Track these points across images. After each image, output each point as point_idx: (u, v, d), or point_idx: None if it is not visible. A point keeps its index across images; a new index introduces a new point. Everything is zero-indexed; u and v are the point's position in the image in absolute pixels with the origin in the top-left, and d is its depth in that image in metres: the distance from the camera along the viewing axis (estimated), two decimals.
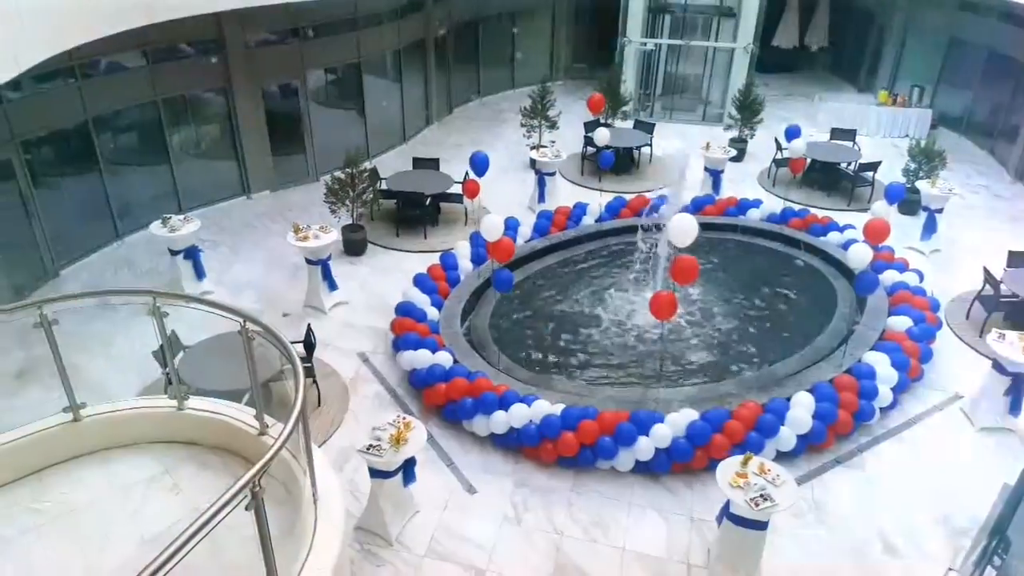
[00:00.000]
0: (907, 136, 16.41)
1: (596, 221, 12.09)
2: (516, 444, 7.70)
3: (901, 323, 9.13)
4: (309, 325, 8.57)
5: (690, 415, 7.57)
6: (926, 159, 12.56)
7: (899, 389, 8.33)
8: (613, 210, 12.24)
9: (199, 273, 10.41)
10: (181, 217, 10.29)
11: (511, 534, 6.88)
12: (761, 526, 6.02)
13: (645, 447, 7.37)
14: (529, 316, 10.11)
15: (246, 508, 3.07)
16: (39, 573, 4.13)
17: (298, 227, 9.87)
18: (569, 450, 7.43)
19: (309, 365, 8.19)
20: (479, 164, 11.25)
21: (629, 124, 16.16)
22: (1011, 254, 10.37)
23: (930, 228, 11.88)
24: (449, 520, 7.00)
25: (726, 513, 6.15)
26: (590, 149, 14.63)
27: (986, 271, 10.03)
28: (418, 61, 16.45)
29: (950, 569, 5.96)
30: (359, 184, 11.41)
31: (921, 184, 12.08)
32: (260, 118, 13.16)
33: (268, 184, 13.69)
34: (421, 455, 7.01)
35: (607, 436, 7.42)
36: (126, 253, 11.57)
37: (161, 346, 5.58)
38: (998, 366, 8.02)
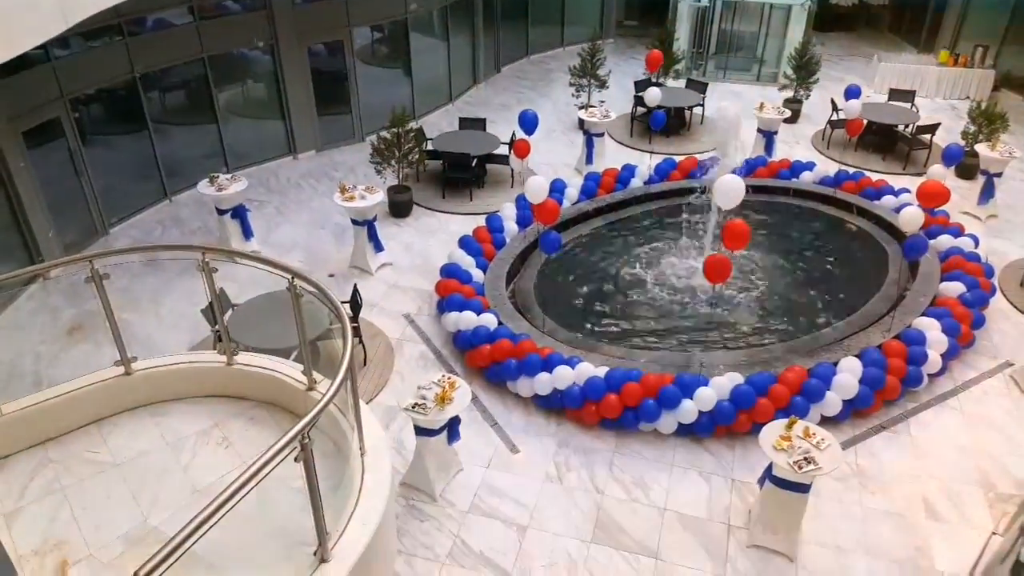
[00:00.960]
0: (968, 98, 15.76)
1: (645, 183, 11.92)
2: (559, 405, 7.76)
3: (953, 288, 8.88)
4: (355, 285, 8.70)
5: (735, 379, 7.52)
6: (987, 121, 12.04)
7: (949, 355, 8.14)
8: (663, 172, 12.04)
9: (246, 232, 10.62)
10: (228, 176, 10.45)
11: (553, 492, 6.98)
12: (804, 489, 6.00)
13: (688, 410, 7.36)
14: (575, 280, 10.09)
15: (295, 459, 3.17)
16: (95, 520, 4.31)
17: (344, 187, 9.97)
18: (612, 412, 7.47)
19: (356, 325, 8.34)
20: (528, 122, 11.09)
21: (681, 83, 15.78)
22: None
23: (988, 193, 11.44)
24: (492, 478, 7.14)
25: (768, 475, 6.13)
26: (640, 109, 14.36)
27: None
28: (466, 18, 16.23)
29: (994, 533, 5.88)
30: (405, 144, 11.43)
31: (980, 147, 11.60)
32: (306, 77, 13.22)
33: (314, 144, 13.82)
34: (465, 415, 7.12)
35: (650, 398, 7.43)
36: (174, 211, 11.86)
37: (210, 303, 5.72)
38: None
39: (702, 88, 14.92)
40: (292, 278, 4.30)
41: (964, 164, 12.22)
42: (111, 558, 4.05)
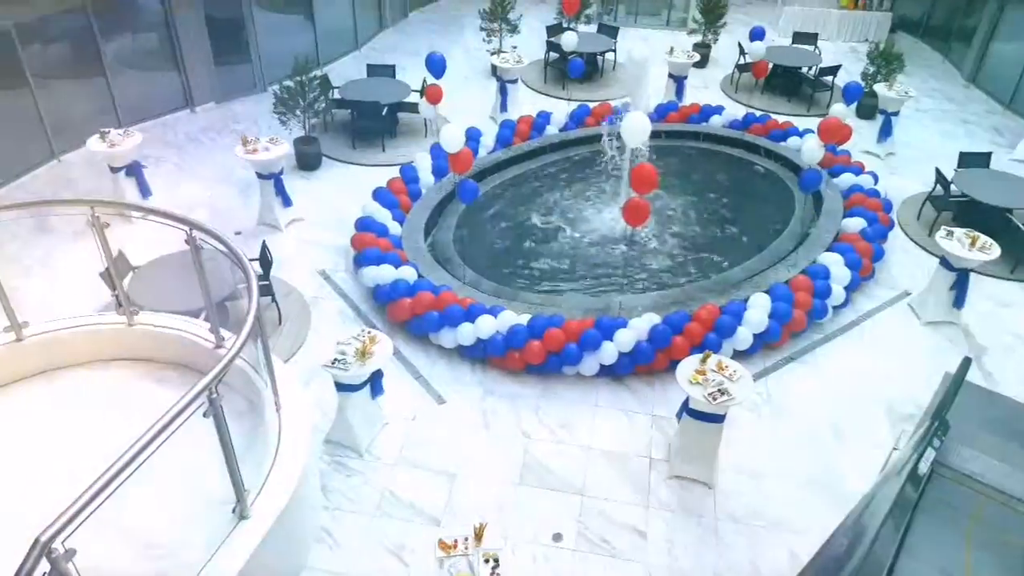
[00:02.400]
0: (867, 40, 16.29)
1: (560, 130, 11.86)
2: (483, 355, 7.75)
3: (855, 224, 9.29)
4: (264, 242, 8.36)
5: (652, 319, 7.68)
6: (884, 62, 12.51)
7: (851, 287, 8.56)
8: (578, 118, 12.01)
9: (143, 191, 10.00)
10: (120, 131, 9.78)
11: (480, 440, 7.01)
12: (718, 419, 6.22)
13: (609, 352, 7.48)
14: (494, 229, 10.01)
15: (204, 415, 3.02)
16: None
17: (246, 139, 9.48)
18: (536, 358, 7.51)
19: (267, 283, 8.05)
20: (435, 65, 10.73)
21: (592, 29, 15.67)
22: (962, 155, 10.55)
23: (886, 131, 11.96)
24: (419, 430, 7.09)
25: (686, 409, 6.34)
26: (553, 55, 14.21)
27: (938, 172, 10.19)
28: None
29: (894, 449, 6.27)
30: (310, 93, 10.95)
31: (879, 87, 12.08)
32: (200, 24, 12.41)
33: (212, 95, 13.07)
34: (389, 369, 7.02)
35: (572, 343, 7.51)
36: (64, 172, 11.03)
37: (106, 268, 5.38)
38: (945, 263, 8.27)
39: (613, 33, 14.88)
40: (190, 230, 4.05)
41: (864, 104, 12.72)
42: (17, 533, 3.80)
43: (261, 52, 13.39)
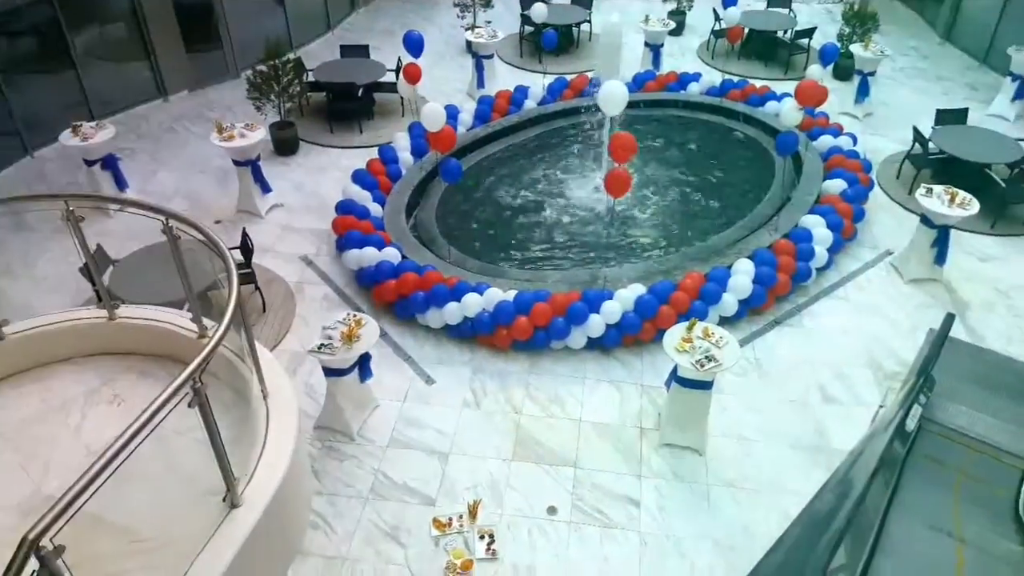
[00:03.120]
0: (842, 1, 16.21)
1: (539, 104, 11.77)
2: (471, 333, 7.75)
3: (835, 186, 9.32)
4: (244, 230, 8.29)
5: (638, 289, 7.70)
6: (859, 23, 12.49)
7: (834, 249, 8.61)
8: (555, 92, 11.92)
9: (120, 183, 9.85)
10: (93, 124, 9.62)
11: (471, 418, 7.03)
12: (707, 386, 6.27)
13: (596, 324, 7.50)
14: (476, 206, 9.95)
15: (189, 405, 3.00)
16: None
17: (221, 126, 9.34)
18: (523, 334, 7.52)
19: (249, 271, 7.99)
20: (414, 44, 10.59)
21: (567, 1, 15.50)
22: (939, 112, 10.59)
23: (863, 91, 11.97)
24: (409, 411, 7.10)
25: (674, 377, 6.37)
26: (528, 28, 14.07)
27: (915, 130, 10.22)
28: None
29: (880, 407, 6.34)
30: (284, 77, 10.80)
31: (854, 48, 12.05)
32: (168, 12, 12.17)
33: (185, 83, 12.87)
34: (376, 351, 7.01)
35: (559, 317, 7.52)
36: (38, 168, 10.86)
37: (85, 263, 5.31)
38: (926, 220, 8.33)
39: (588, 4, 14.73)
40: (167, 220, 3.99)
41: (840, 66, 12.71)
42: (5, 531, 3.78)
43: (233, 37, 13.18)
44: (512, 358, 7.68)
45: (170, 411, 2.87)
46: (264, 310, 8.16)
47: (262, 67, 10.74)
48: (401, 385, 7.37)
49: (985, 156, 9.73)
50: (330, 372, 6.49)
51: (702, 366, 6.05)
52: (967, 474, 6.06)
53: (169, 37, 12.33)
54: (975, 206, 8.18)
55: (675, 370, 6.33)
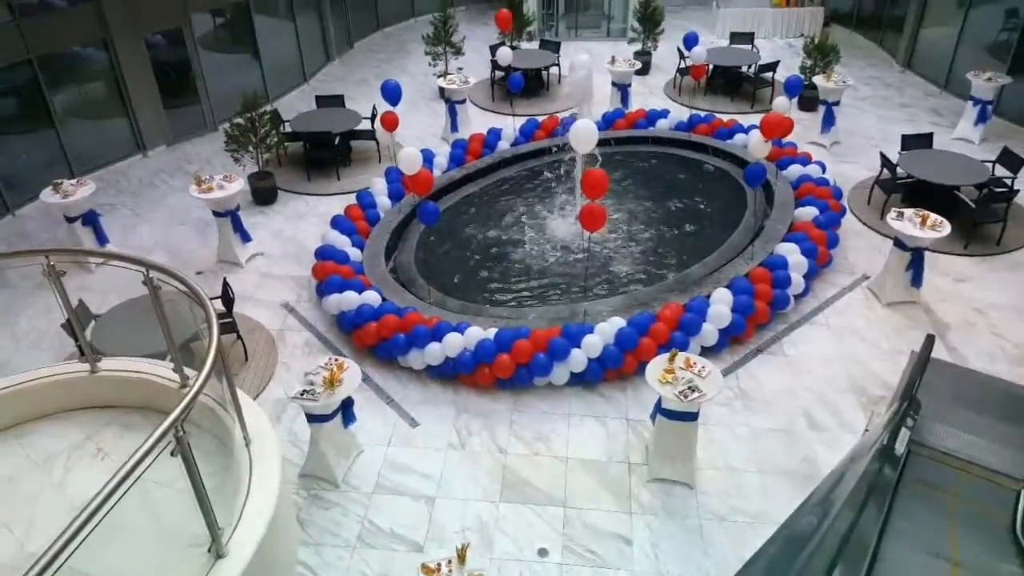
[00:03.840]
0: (803, 35, 16.78)
1: (512, 145, 11.98)
2: (453, 373, 7.75)
3: (807, 213, 9.51)
4: (225, 279, 8.29)
5: (618, 323, 7.76)
6: (821, 55, 12.89)
7: (810, 276, 8.74)
8: (527, 133, 12.15)
9: (101, 239, 9.85)
10: (73, 181, 9.66)
11: (457, 460, 6.99)
12: (692, 417, 6.28)
13: (578, 359, 7.53)
14: (455, 247, 10.04)
15: (172, 454, 2.99)
16: None
17: (200, 178, 9.41)
18: (506, 372, 7.53)
19: (231, 320, 7.97)
20: (391, 93, 10.82)
21: (535, 45, 15.91)
22: (904, 138, 10.90)
23: (829, 121, 12.30)
24: (394, 455, 7.05)
25: (659, 410, 6.39)
26: (499, 73, 14.38)
27: (883, 156, 10.50)
28: None
29: (865, 430, 6.37)
30: (261, 129, 10.92)
31: (818, 79, 12.43)
32: (147, 69, 12.34)
33: (163, 138, 12.97)
34: (359, 396, 6.99)
35: (541, 353, 7.55)
36: (19, 226, 10.83)
37: (68, 319, 5.30)
38: (899, 243, 8.50)
39: (556, 48, 15.12)
40: (147, 270, 4.01)
41: (805, 97, 13.07)
42: None
43: (210, 92, 13.35)
44: (496, 396, 7.67)
45: (153, 461, 2.86)
46: (247, 359, 8.13)
47: (239, 120, 10.87)
48: (385, 429, 7.33)
49: (953, 178, 9.98)
50: (313, 418, 6.45)
51: (686, 397, 6.08)
52: (961, 497, 6.08)
53: (147, 94, 12.46)
54: (946, 228, 8.36)
55: (659, 402, 6.36)
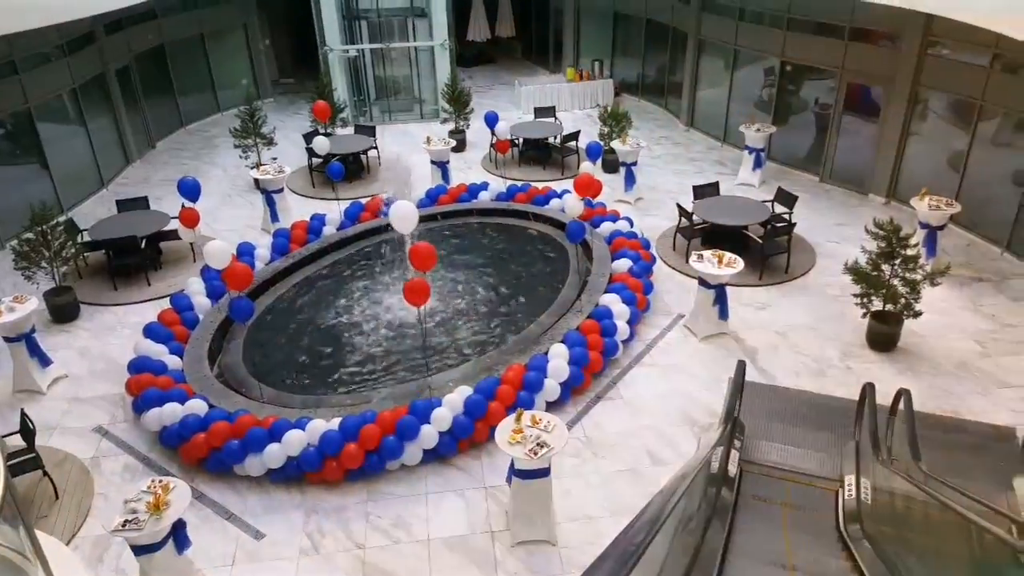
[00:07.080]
0: (597, 105, 18.21)
1: (338, 229, 11.85)
2: (298, 473, 7.31)
3: (623, 265, 10.16)
4: (23, 411, 7.37)
5: (465, 391, 7.74)
6: (615, 122, 14.03)
7: (633, 321, 9.28)
8: (352, 215, 12.09)
9: None
10: None
11: (311, 567, 6.53)
12: (544, 474, 6.33)
13: (429, 435, 7.40)
14: (288, 338, 9.63)
15: None
16: None
17: None
18: (354, 462, 7.23)
19: (33, 455, 7.07)
20: (188, 189, 10.41)
21: (350, 131, 16.02)
22: (695, 188, 12.04)
23: (630, 180, 13.35)
24: (240, 575, 6.47)
25: (513, 472, 6.38)
26: (316, 160, 14.28)
27: (679, 206, 11.51)
28: (102, 98, 14.89)
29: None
30: (55, 242, 10.02)
31: (615, 144, 13.49)
32: None
33: None
34: (192, 516, 6.40)
35: (390, 436, 7.33)
36: None
37: None
38: (703, 282, 9.26)
39: (371, 132, 15.32)
40: None
41: (607, 160, 14.12)
42: None
43: None
44: (347, 490, 7.32)
45: None
46: (57, 496, 7.20)
47: (29, 235, 9.93)
48: (227, 547, 6.72)
49: (740, 219, 11.10)
50: (140, 550, 5.77)
51: (535, 453, 6.14)
52: (790, 505, 6.56)
53: None
54: (740, 264, 9.23)
55: (512, 464, 6.36)
